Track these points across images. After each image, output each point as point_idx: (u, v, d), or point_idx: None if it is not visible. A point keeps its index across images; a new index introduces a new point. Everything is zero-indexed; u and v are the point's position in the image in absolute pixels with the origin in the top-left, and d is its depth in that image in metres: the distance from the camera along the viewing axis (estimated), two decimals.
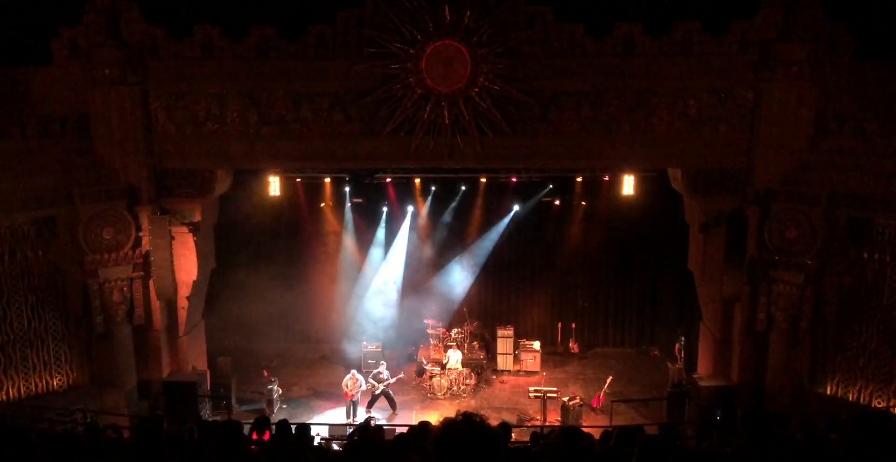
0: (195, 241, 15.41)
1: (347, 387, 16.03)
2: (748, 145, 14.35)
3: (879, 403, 13.58)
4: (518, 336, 19.01)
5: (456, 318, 19.21)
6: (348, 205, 18.79)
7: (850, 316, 13.92)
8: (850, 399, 13.94)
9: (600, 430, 8.53)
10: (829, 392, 14.26)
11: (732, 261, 14.52)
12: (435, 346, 18.58)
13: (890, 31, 13.76)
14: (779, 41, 13.68)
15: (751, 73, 13.99)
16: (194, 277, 15.56)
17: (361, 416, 15.62)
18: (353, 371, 16.35)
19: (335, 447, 11.01)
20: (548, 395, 16.12)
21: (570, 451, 4.01)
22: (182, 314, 15.78)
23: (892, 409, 13.16)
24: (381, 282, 19.49)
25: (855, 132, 13.54)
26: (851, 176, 13.35)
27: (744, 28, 13.89)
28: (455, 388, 17.12)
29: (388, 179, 17.81)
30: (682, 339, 17.74)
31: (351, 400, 16.01)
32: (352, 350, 18.46)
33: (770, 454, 5.74)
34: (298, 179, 17.73)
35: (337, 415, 16.15)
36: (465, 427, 3.10)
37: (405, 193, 18.78)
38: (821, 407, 13.46)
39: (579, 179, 17.96)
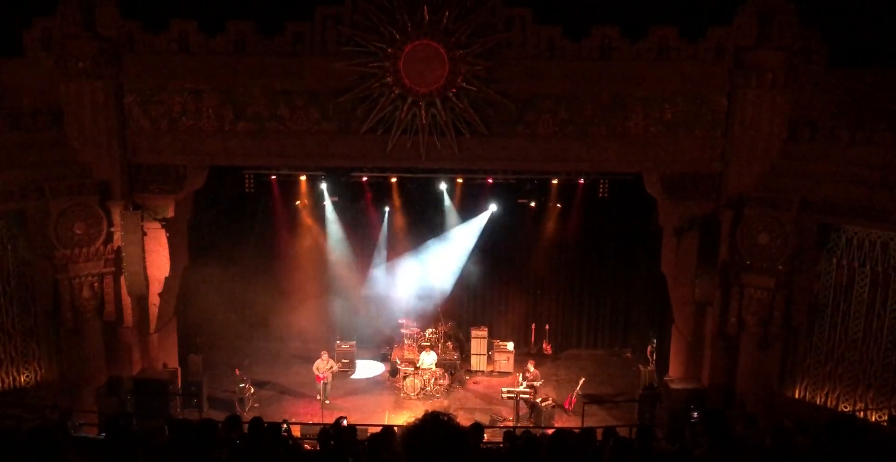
0: (168, 238, 15.25)
1: (318, 369, 16.31)
2: (722, 150, 14.45)
3: (846, 407, 13.79)
4: (492, 337, 19.07)
5: (430, 318, 19.21)
6: (324, 203, 18.70)
7: (819, 321, 14.11)
8: (818, 403, 14.14)
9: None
10: (797, 396, 14.45)
11: (705, 265, 14.63)
12: (409, 346, 18.56)
13: (863, 38, 13.92)
14: (754, 48, 13.81)
15: (726, 79, 14.09)
16: (166, 274, 15.41)
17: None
18: (324, 353, 16.68)
19: (306, 446, 10.96)
20: (521, 396, 16.16)
21: (563, 453, 4.03)
22: (153, 311, 15.61)
23: (857, 414, 13.37)
24: (356, 280, 19.44)
25: (826, 140, 13.67)
26: (822, 183, 13.49)
27: (720, 34, 13.98)
28: (428, 388, 17.11)
29: (365, 178, 17.73)
30: (655, 341, 17.88)
31: (322, 382, 16.28)
32: (325, 349, 18.36)
33: (738, 457, 5.80)
34: (273, 177, 17.61)
35: (309, 414, 16.07)
36: (432, 427, 3.10)
37: (381, 192, 18.72)
38: (790, 410, 13.62)
39: (555, 182, 18.02)
